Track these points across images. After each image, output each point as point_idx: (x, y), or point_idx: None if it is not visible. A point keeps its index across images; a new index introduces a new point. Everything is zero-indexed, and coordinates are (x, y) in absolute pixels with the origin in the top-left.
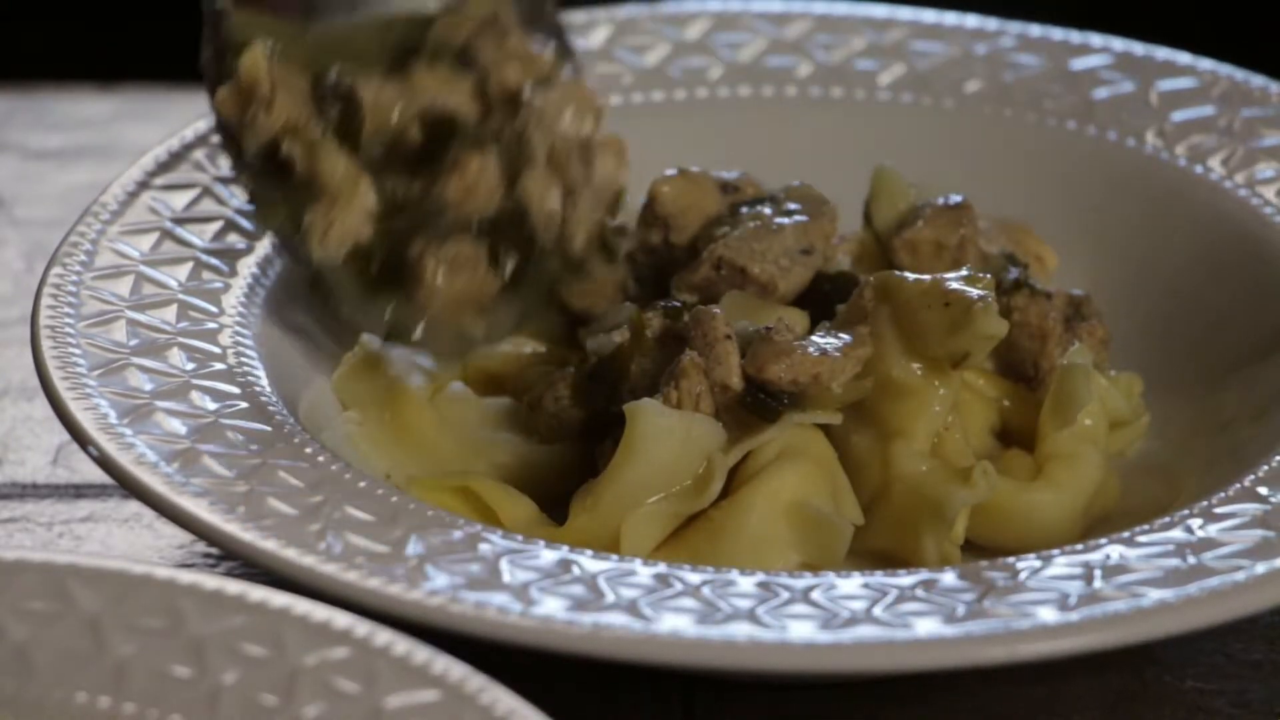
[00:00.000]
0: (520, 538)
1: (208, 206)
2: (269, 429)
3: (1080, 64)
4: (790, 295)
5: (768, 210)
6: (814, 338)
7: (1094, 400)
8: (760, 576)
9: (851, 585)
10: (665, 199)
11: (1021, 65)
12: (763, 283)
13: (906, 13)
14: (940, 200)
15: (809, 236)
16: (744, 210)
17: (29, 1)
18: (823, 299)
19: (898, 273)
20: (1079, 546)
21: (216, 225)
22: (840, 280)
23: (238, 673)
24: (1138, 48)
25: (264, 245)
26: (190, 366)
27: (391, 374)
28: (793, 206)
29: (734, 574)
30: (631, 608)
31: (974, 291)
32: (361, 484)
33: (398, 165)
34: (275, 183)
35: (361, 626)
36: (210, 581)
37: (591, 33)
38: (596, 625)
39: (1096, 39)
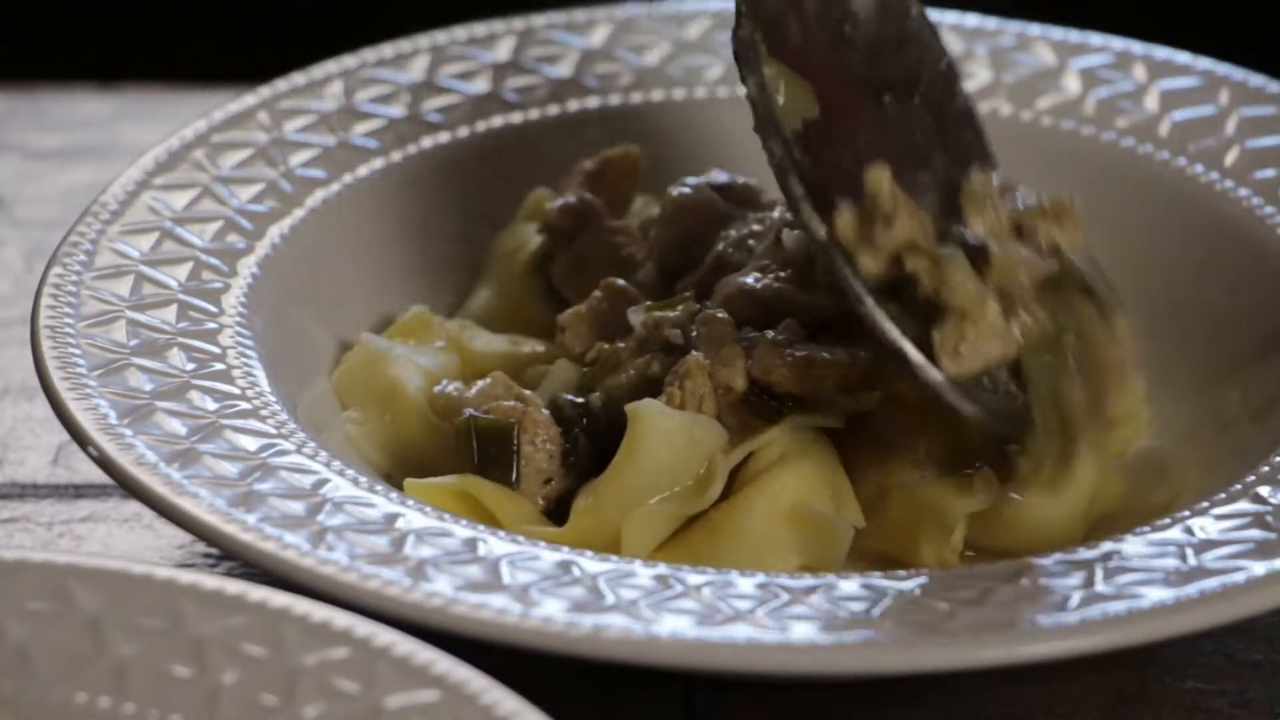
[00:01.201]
0: (521, 539)
1: (208, 206)
2: (269, 429)
3: (1080, 64)
4: None
5: (775, 214)
6: (818, 342)
7: None
8: (760, 578)
9: (851, 587)
10: (679, 216)
11: (1021, 65)
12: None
13: None
14: None
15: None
16: (752, 213)
17: (29, 1)
18: None
19: None
20: (1079, 547)
21: (216, 225)
22: None
23: (238, 673)
24: (1138, 48)
25: (264, 245)
26: (190, 366)
27: (391, 374)
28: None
29: (734, 575)
30: (632, 609)
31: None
32: (361, 484)
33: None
34: (892, 298)
35: (362, 626)
36: (210, 581)
37: (591, 32)
38: (597, 627)
39: (1096, 39)
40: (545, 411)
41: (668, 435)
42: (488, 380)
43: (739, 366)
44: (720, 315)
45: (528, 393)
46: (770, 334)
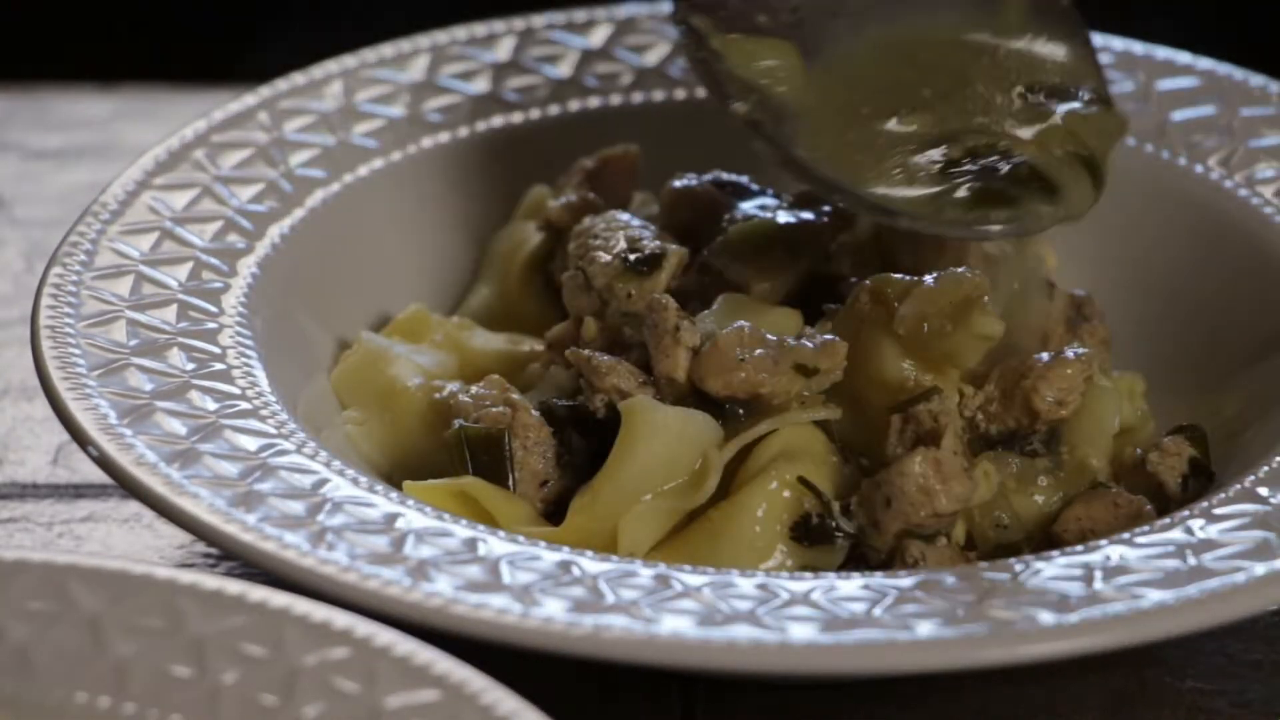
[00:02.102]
0: (521, 538)
1: (208, 206)
2: (269, 429)
3: None
4: (774, 296)
5: (762, 214)
6: (780, 345)
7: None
8: (760, 578)
9: (851, 586)
10: (678, 206)
11: None
12: (737, 284)
13: None
14: None
15: (797, 238)
16: (740, 215)
17: (29, 1)
18: (817, 300)
19: (894, 274)
20: (1079, 548)
21: (216, 225)
22: (834, 282)
23: (238, 673)
24: (1138, 48)
25: (264, 245)
26: (190, 366)
27: (391, 373)
28: (797, 209)
29: (734, 575)
30: (632, 609)
31: (971, 292)
32: (361, 484)
33: None
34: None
35: (362, 626)
36: (210, 581)
37: (591, 33)
38: (597, 627)
39: (1097, 39)
40: (535, 413)
41: (661, 431)
42: (482, 384)
43: (679, 360)
44: (666, 302)
45: (516, 396)
46: (723, 334)
